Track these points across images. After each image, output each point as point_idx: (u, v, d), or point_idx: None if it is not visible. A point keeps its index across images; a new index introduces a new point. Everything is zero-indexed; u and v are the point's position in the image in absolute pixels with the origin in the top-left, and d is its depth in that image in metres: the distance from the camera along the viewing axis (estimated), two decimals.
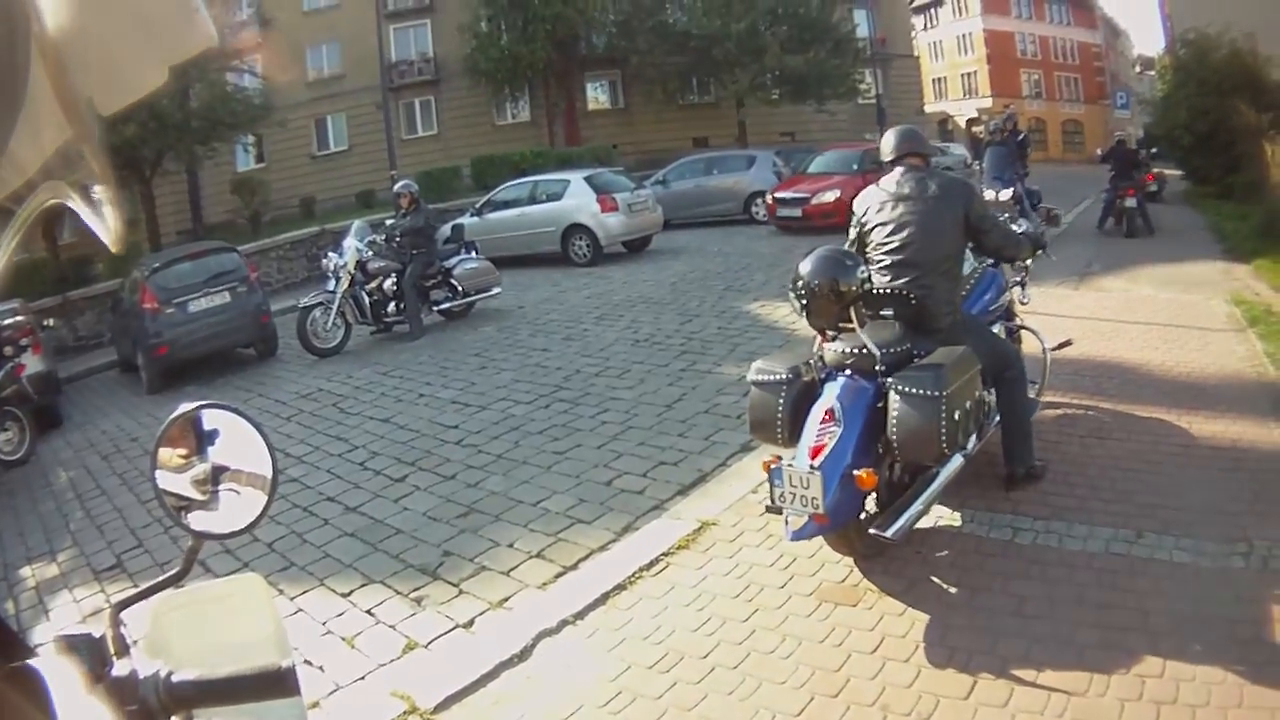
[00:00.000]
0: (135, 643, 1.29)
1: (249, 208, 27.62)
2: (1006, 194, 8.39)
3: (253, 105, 26.14)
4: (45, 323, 13.13)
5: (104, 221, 0.77)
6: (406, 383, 10.08)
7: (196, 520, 1.41)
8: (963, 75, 58.50)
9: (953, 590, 4.23)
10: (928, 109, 49.80)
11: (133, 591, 1.36)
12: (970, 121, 47.49)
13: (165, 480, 1.40)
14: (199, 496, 1.41)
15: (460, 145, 31.74)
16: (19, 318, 11.72)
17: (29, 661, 0.99)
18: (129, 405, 12.12)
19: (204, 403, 1.43)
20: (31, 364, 10.84)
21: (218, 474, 1.42)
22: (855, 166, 18.81)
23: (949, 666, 3.60)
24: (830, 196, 17.53)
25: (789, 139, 31.55)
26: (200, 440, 1.42)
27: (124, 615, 1.29)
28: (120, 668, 1.20)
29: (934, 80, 57.90)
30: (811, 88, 33.35)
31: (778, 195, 18.73)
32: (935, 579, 4.34)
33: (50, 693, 0.96)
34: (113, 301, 15.40)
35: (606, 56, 35.44)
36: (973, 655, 3.63)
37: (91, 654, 1.18)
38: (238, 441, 1.43)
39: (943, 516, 4.80)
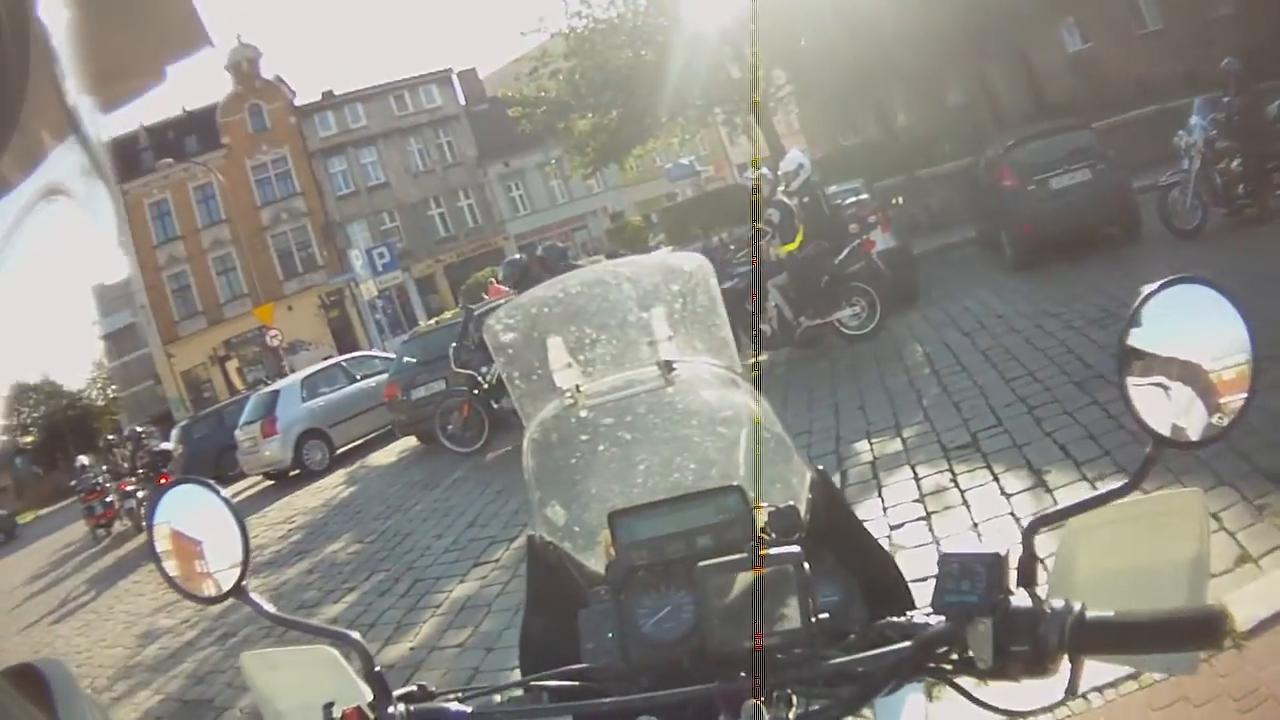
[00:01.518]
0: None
1: (1085, 87, 28.89)
2: None
3: None
4: (893, 200, 14.89)
5: (103, 217, 0.86)
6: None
7: (1162, 421, 1.31)
8: None
9: None
10: None
11: (1057, 508, 1.33)
12: None
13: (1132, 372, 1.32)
14: (1167, 390, 1.33)
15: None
16: (863, 196, 13.51)
17: (31, 661, 1.05)
18: (992, 282, 13.41)
19: (1179, 277, 1.32)
20: (881, 241, 12.47)
21: (1179, 367, 1.33)
22: None
23: None
24: None
25: None
26: (1169, 327, 1.33)
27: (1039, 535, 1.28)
28: (1020, 598, 1.19)
29: None
30: None
31: None
32: None
33: (53, 692, 1.03)
34: (969, 179, 17.10)
35: None
36: None
37: (990, 577, 1.19)
38: (1217, 330, 1.33)
39: None
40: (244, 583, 1.56)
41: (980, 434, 7.01)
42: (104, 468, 23.68)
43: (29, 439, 79.05)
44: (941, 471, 6.53)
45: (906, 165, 21.50)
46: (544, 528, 1.86)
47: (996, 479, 6.08)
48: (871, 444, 7.64)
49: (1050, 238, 13.04)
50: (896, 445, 7.41)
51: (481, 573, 7.79)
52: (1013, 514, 5.40)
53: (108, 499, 22.45)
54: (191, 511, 1.63)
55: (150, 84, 1.01)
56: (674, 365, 1.87)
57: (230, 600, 1.59)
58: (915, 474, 6.65)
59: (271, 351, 35.89)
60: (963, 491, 6.09)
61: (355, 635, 1.46)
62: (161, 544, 1.63)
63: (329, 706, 1.36)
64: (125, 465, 22.00)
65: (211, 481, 1.64)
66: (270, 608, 1.58)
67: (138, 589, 14.09)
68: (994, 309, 11.36)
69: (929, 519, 5.85)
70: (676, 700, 1.33)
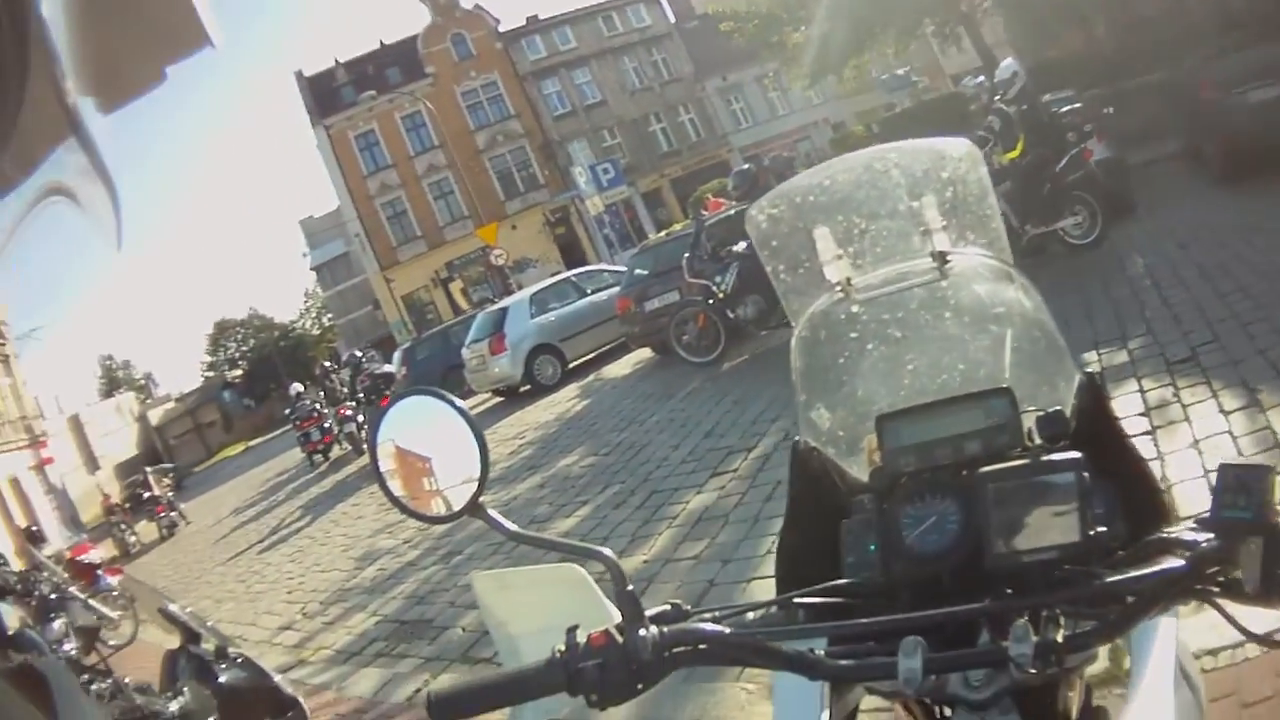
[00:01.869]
0: None
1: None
2: None
3: None
4: (1104, 110, 14.40)
5: (102, 218, 0.88)
6: None
7: None
8: None
9: None
10: None
11: None
12: None
13: None
14: None
15: None
16: (1077, 105, 13.09)
17: (33, 662, 1.09)
18: (1200, 194, 13.03)
19: None
20: (1097, 150, 12.28)
21: None
22: None
23: None
24: None
25: None
26: None
27: None
28: None
29: None
30: None
31: None
32: None
33: (54, 692, 1.08)
34: (1172, 91, 16.37)
35: None
36: None
37: (1263, 492, 1.12)
38: None
39: None
40: (480, 499, 1.48)
41: (1199, 349, 6.95)
42: (320, 394, 24.22)
43: (237, 373, 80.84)
44: (1165, 385, 6.50)
45: (1111, 76, 20.79)
46: (809, 432, 1.72)
47: (1215, 395, 6.02)
48: (1099, 355, 7.64)
49: (1250, 151, 12.43)
50: (1123, 357, 7.39)
51: (719, 483, 7.77)
52: (1229, 432, 5.37)
53: (325, 424, 23.55)
54: (420, 425, 1.54)
55: (150, 84, 1.02)
56: (948, 257, 1.73)
57: (463, 518, 1.52)
58: (1141, 387, 6.62)
59: (497, 270, 36.62)
60: (1185, 407, 6.04)
61: (607, 551, 1.36)
62: (386, 462, 1.55)
63: (573, 630, 1.29)
64: (343, 390, 22.48)
65: (444, 392, 1.54)
66: (511, 525, 1.48)
67: (356, 512, 14.45)
68: (1205, 222, 11.08)
69: (1154, 434, 5.80)
70: (941, 620, 1.24)
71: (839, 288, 1.75)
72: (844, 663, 1.23)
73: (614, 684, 1.25)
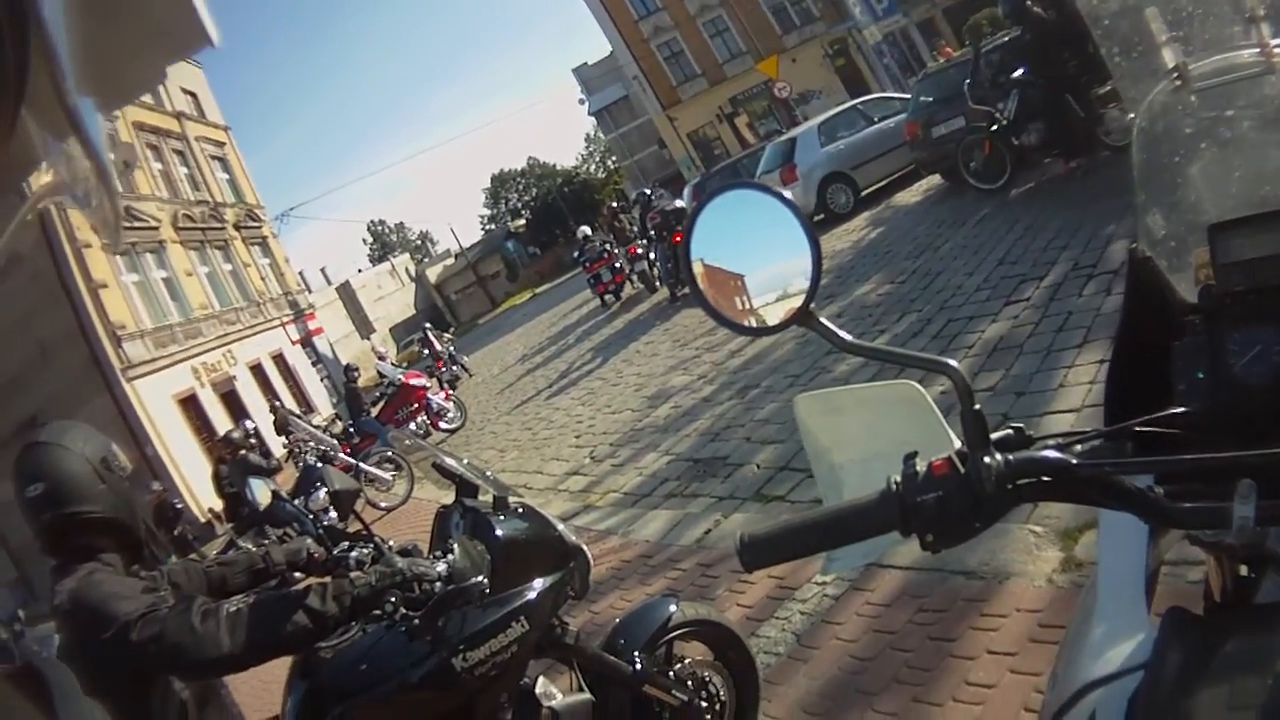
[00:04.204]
0: None
1: None
2: None
3: None
4: None
5: (101, 217, 0.88)
6: None
7: None
8: None
9: None
10: None
11: None
12: None
13: None
14: None
15: None
16: None
17: (33, 663, 1.16)
18: None
19: None
20: None
21: None
22: None
23: None
24: None
25: None
26: None
27: None
28: None
29: None
30: None
31: None
32: None
33: (53, 693, 1.04)
34: None
35: None
36: None
37: None
38: None
39: None
40: (812, 305, 1.31)
41: None
42: (610, 235, 23.62)
43: (519, 222, 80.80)
44: None
45: None
46: (1145, 239, 1.51)
47: None
48: None
49: None
50: None
51: (1013, 312, 7.53)
52: None
53: (616, 264, 22.89)
54: (734, 232, 1.39)
55: (150, 84, 1.01)
56: (1275, 48, 1.50)
57: (790, 328, 1.35)
58: None
59: (782, 103, 36.16)
60: None
61: (952, 363, 1.18)
62: (700, 274, 1.39)
63: (912, 456, 1.12)
64: (633, 229, 22.03)
65: (765, 184, 1.37)
66: (846, 335, 1.30)
67: (650, 350, 14.23)
68: None
69: None
70: (1264, 463, 1.02)
71: (1175, 75, 1.52)
72: (1184, 505, 1.04)
73: (954, 521, 1.08)
